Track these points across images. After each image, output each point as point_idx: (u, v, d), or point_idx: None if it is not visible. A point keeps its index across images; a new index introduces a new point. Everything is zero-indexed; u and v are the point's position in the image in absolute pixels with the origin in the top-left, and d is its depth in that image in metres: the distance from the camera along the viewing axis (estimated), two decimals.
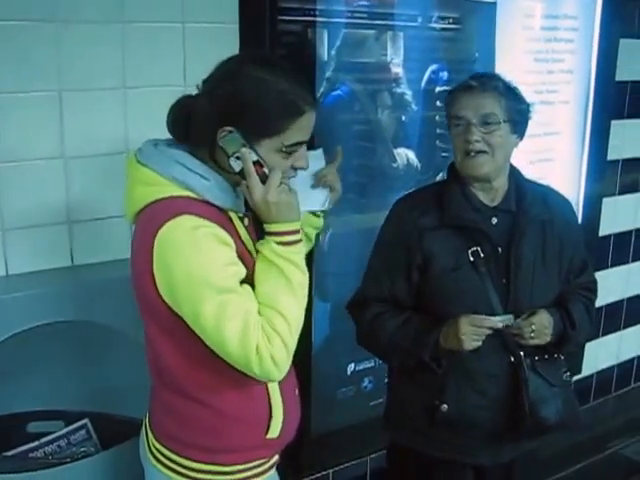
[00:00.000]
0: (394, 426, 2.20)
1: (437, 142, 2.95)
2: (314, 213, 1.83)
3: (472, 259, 1.95)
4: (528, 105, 1.99)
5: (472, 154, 1.91)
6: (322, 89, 2.57)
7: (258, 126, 1.49)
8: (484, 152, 1.91)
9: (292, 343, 1.51)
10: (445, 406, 1.99)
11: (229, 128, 1.49)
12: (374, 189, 2.86)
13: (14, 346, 1.96)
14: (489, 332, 1.89)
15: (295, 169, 1.56)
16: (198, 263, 1.44)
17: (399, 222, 2.04)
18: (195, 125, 1.53)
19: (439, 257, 1.97)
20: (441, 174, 2.93)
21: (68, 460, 2.08)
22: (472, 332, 1.87)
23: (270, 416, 1.67)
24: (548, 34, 3.21)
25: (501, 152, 1.94)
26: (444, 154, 2.94)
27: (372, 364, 3.01)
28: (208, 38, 2.22)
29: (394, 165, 2.84)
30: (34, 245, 2.12)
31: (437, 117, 2.90)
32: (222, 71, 1.53)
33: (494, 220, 1.99)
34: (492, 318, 1.89)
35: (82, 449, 2.16)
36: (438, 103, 2.87)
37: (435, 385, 2.00)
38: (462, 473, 2.15)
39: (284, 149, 1.51)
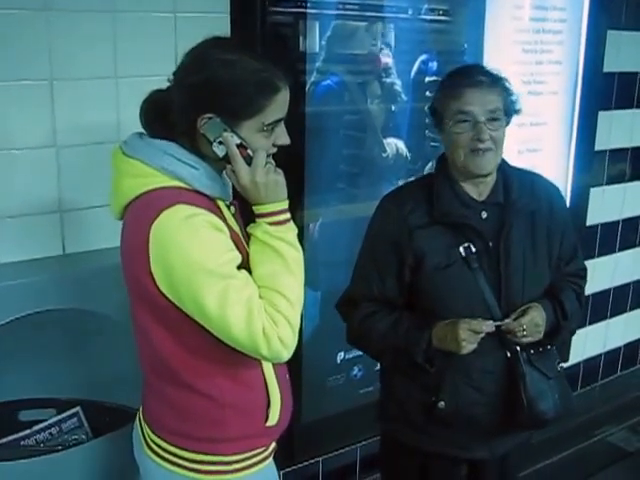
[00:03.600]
0: (388, 421, 2.19)
1: (426, 132, 2.95)
2: None
3: (464, 255, 1.94)
4: (517, 96, 1.98)
5: (480, 152, 1.88)
6: (312, 79, 2.57)
7: (237, 108, 1.48)
8: (491, 149, 1.89)
9: (296, 321, 1.51)
10: (442, 403, 1.98)
11: (208, 115, 1.48)
12: (364, 179, 2.87)
13: (5, 334, 1.96)
14: (483, 335, 1.89)
15: (276, 147, 1.55)
16: (197, 251, 1.44)
17: (388, 220, 2.02)
18: (173, 117, 1.52)
19: (430, 255, 1.95)
20: (430, 163, 2.94)
21: (60, 448, 2.09)
22: (471, 337, 1.87)
23: (268, 404, 1.68)
24: (537, 25, 3.23)
25: (502, 147, 1.93)
26: (433, 144, 2.95)
27: (361, 353, 3.01)
28: (199, 28, 2.19)
29: (384, 155, 2.84)
30: (25, 234, 2.12)
31: (426, 107, 2.91)
32: (190, 59, 1.52)
33: (484, 214, 1.98)
34: (489, 323, 1.90)
35: (74, 437, 2.16)
36: (428, 93, 2.87)
37: (431, 382, 1.99)
38: (457, 467, 2.17)
39: (265, 128, 1.50)
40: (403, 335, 1.97)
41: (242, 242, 1.59)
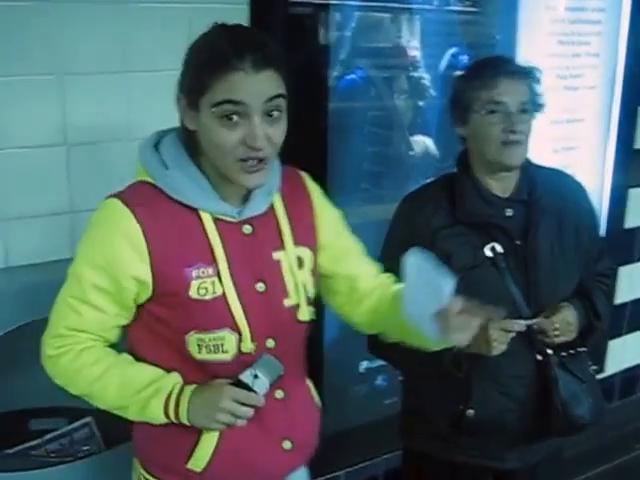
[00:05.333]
0: (412, 431, 2.18)
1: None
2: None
3: (490, 255, 1.94)
4: (541, 91, 2.00)
5: (512, 144, 1.89)
6: (336, 73, 2.56)
7: (190, 83, 1.41)
8: (521, 142, 1.90)
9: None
10: (471, 411, 1.97)
11: (178, 96, 1.44)
12: (390, 178, 2.85)
13: (16, 340, 1.98)
14: (514, 335, 1.88)
15: (249, 148, 1.38)
16: (82, 243, 1.48)
17: (409, 222, 2.02)
18: None
19: (456, 256, 1.94)
20: None
21: (71, 459, 2.09)
22: (502, 337, 1.85)
23: (197, 441, 1.54)
24: (573, 15, 3.17)
25: (529, 140, 1.94)
26: None
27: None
28: (216, 20, 2.20)
29: (411, 153, 2.83)
30: (35, 236, 2.13)
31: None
32: None
33: (509, 212, 1.98)
34: (520, 322, 1.89)
35: (85, 447, 2.16)
36: None
37: (458, 389, 1.98)
38: (486, 478, 2.15)
39: (213, 110, 1.36)
40: None
41: (228, 271, 1.47)
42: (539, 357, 1.98)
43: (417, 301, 1.48)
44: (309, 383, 1.73)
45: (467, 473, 2.11)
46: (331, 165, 2.61)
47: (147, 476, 1.63)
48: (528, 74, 1.94)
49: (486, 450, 2.05)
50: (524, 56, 3.00)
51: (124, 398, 1.50)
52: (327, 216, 1.66)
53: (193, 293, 1.44)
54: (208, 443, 1.53)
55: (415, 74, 2.76)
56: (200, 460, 1.53)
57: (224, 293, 1.45)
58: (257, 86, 1.35)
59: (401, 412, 2.23)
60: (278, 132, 1.41)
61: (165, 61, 2.14)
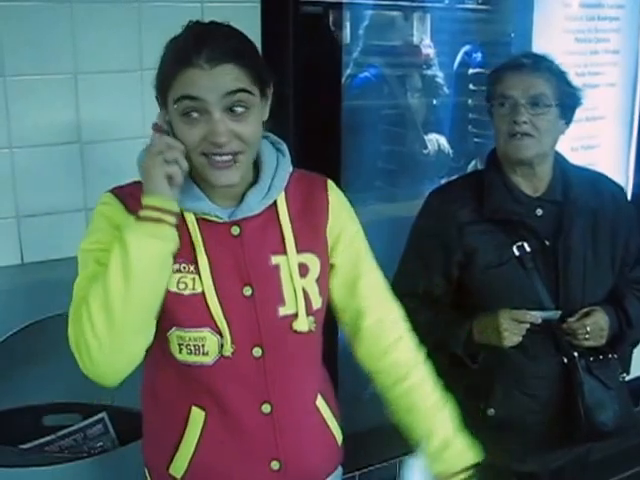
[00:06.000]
0: None
1: (470, 127, 2.94)
2: None
3: (518, 254, 1.93)
4: (578, 90, 1.97)
5: (518, 136, 1.88)
6: (349, 71, 2.58)
7: (158, 79, 1.41)
8: (530, 135, 1.88)
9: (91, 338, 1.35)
10: (492, 410, 1.97)
11: (156, 93, 1.43)
12: (403, 177, 2.86)
13: (31, 336, 2.01)
14: (527, 326, 1.86)
15: (212, 144, 1.36)
16: (87, 232, 1.47)
17: (435, 217, 2.01)
18: None
19: (482, 252, 1.95)
20: (474, 161, 2.93)
21: (84, 455, 2.11)
22: (514, 327, 1.84)
23: (178, 442, 1.51)
24: (590, 12, 3.17)
25: (548, 137, 1.91)
26: (477, 140, 2.93)
27: None
28: (228, 19, 2.22)
29: (425, 151, 2.83)
30: (50, 233, 2.17)
31: (470, 101, 2.90)
32: None
33: (539, 212, 1.96)
34: (533, 313, 1.86)
35: (99, 444, 2.19)
36: (471, 86, 2.87)
37: (480, 388, 1.98)
38: (507, 479, 2.13)
39: (175, 107, 1.35)
40: (443, 327, 1.96)
41: (209, 270, 1.44)
42: (565, 360, 1.96)
43: None
44: (320, 404, 1.62)
45: (490, 474, 2.10)
46: (344, 163, 2.62)
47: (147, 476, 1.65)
48: (542, 66, 1.91)
49: (507, 451, 2.03)
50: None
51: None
52: (345, 230, 1.59)
53: (172, 286, 1.42)
54: (186, 451, 1.51)
55: (429, 72, 2.77)
56: (179, 468, 1.52)
57: (203, 291, 1.43)
58: (213, 81, 1.33)
59: None
60: (247, 128, 1.38)
61: None
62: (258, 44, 2.29)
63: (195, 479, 1.52)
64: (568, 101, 1.93)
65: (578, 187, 1.98)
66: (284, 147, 1.55)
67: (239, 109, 1.36)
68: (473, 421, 1.98)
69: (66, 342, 2.05)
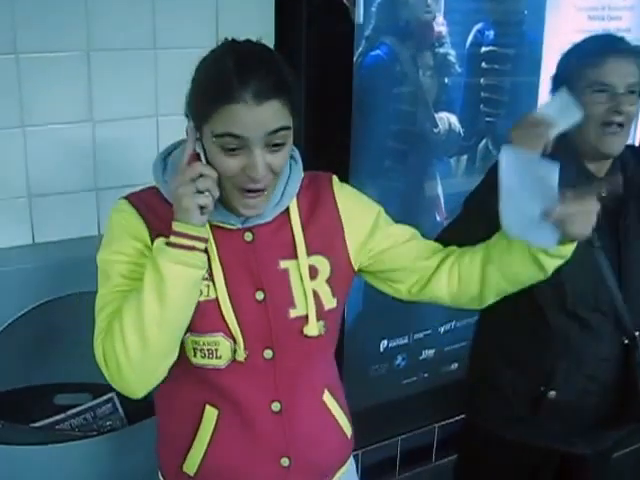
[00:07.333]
0: (480, 412, 2.17)
1: (481, 106, 2.93)
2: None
3: None
4: None
5: (614, 127, 1.83)
6: (360, 49, 2.57)
7: (194, 107, 1.39)
8: (622, 125, 1.84)
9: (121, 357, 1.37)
10: (553, 393, 1.96)
11: (186, 113, 1.42)
12: (413, 156, 2.85)
13: (42, 316, 2.03)
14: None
15: (249, 178, 1.37)
16: (103, 240, 1.49)
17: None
18: None
19: None
20: (484, 140, 2.94)
21: (94, 433, 2.16)
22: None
23: (191, 444, 1.55)
24: None
25: (632, 127, 1.89)
26: (488, 119, 2.93)
27: (406, 341, 3.03)
28: None
29: (435, 130, 2.83)
30: (62, 213, 2.18)
31: (482, 80, 2.89)
32: None
33: (603, 192, 1.93)
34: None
35: (108, 423, 2.23)
36: (484, 64, 2.86)
37: (541, 370, 1.97)
38: (552, 461, 2.16)
39: (214, 140, 1.35)
40: None
41: (222, 276, 1.47)
42: (625, 340, 1.95)
43: (519, 206, 1.40)
44: (327, 400, 1.64)
45: (535, 455, 2.11)
46: (354, 142, 2.61)
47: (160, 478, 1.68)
48: (637, 54, 1.86)
49: (559, 433, 2.05)
50: (552, 32, 3.02)
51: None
52: (359, 219, 1.60)
53: None
54: (199, 448, 1.54)
55: (441, 50, 2.76)
56: (192, 465, 1.56)
57: (217, 298, 1.46)
58: (259, 119, 1.32)
59: (469, 393, 2.22)
60: (281, 160, 1.40)
61: (192, 38, 2.18)
62: (271, 22, 2.33)
63: (207, 476, 1.56)
64: None
65: (634, 165, 1.99)
66: (297, 154, 1.56)
67: (278, 145, 1.37)
68: (532, 404, 2.00)
69: (76, 322, 2.08)
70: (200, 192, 1.34)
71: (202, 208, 1.35)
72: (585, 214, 1.44)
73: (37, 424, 2.16)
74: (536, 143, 1.61)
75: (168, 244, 1.35)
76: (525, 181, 1.38)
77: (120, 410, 2.26)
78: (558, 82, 1.93)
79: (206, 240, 1.38)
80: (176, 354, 1.44)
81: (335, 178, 1.62)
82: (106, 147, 2.18)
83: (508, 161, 1.41)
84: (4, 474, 2.04)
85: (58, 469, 2.07)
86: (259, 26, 2.28)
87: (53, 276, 2.05)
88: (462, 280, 1.60)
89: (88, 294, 2.00)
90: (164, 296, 1.33)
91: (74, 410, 2.22)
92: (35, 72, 2.05)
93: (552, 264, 1.54)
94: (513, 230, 1.44)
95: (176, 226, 1.35)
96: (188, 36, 2.20)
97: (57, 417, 2.19)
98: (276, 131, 1.35)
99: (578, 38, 1.98)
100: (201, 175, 1.35)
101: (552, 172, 1.36)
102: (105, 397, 2.24)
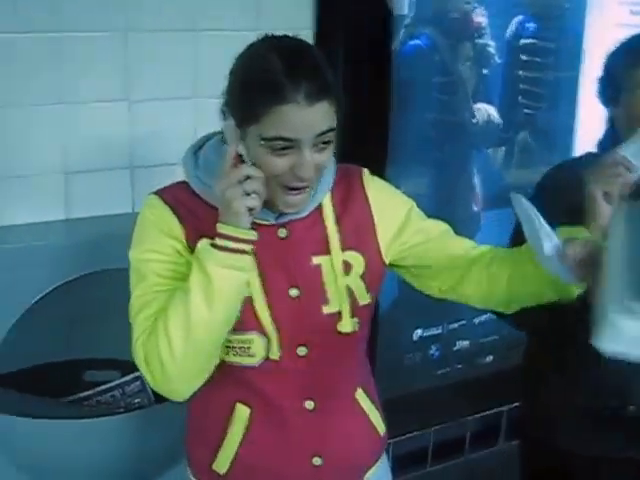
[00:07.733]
0: (552, 428, 2.03)
1: (520, 98, 2.92)
2: None
3: None
4: None
5: None
6: (400, 38, 2.57)
7: (239, 106, 1.36)
8: None
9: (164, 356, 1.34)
10: (633, 407, 1.88)
11: (225, 110, 1.40)
12: (450, 146, 2.84)
13: (73, 292, 2.05)
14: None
15: (296, 177, 1.36)
16: (135, 236, 1.49)
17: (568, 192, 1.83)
18: None
19: None
20: (523, 132, 2.92)
21: (122, 410, 2.17)
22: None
23: (220, 444, 1.55)
24: None
25: None
26: (527, 111, 2.92)
27: (439, 331, 3.04)
28: None
29: (473, 121, 2.81)
30: (96, 189, 2.19)
31: (521, 72, 2.88)
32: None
33: None
34: None
35: (136, 400, 2.24)
36: (523, 57, 2.85)
37: (611, 387, 1.88)
38: (628, 470, 2.03)
39: (262, 142, 1.33)
40: None
41: (264, 275, 1.46)
42: None
43: (537, 241, 1.39)
44: (360, 398, 1.62)
45: (610, 466, 1.98)
46: (393, 132, 2.60)
47: (190, 476, 1.68)
48: None
49: (617, 442, 1.94)
50: (593, 26, 2.99)
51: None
52: (391, 212, 1.59)
53: None
54: (230, 447, 1.54)
55: (480, 41, 2.74)
56: (222, 464, 1.55)
57: (251, 296, 1.44)
58: (309, 120, 1.31)
59: (521, 411, 2.16)
60: (325, 157, 1.39)
61: (232, 21, 2.20)
62: (310, 7, 2.33)
63: (238, 475, 1.55)
64: None
65: None
66: None
67: (325, 144, 1.37)
68: (607, 418, 1.90)
69: (107, 299, 2.11)
70: (247, 194, 1.32)
71: (250, 210, 1.33)
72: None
73: (66, 399, 2.18)
74: (613, 184, 1.56)
75: (214, 246, 1.33)
76: (531, 231, 1.40)
77: (148, 388, 2.25)
78: (605, 83, 1.86)
79: (253, 242, 1.35)
80: (219, 354, 1.44)
81: (366, 171, 1.61)
82: (142, 126, 2.20)
83: (519, 210, 1.42)
84: (31, 447, 2.06)
85: (85, 444, 2.08)
86: (298, 11, 2.29)
87: (85, 252, 2.06)
88: (491, 283, 1.56)
89: (120, 271, 2.02)
90: (212, 298, 1.32)
91: (103, 387, 2.23)
92: (72, 51, 2.07)
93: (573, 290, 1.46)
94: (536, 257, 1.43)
95: (223, 228, 1.33)
96: (228, 19, 2.20)
97: (86, 393, 2.21)
98: (325, 132, 1.34)
99: (620, 33, 1.94)
100: (248, 177, 1.32)
101: (548, 247, 1.36)
102: (133, 375, 2.25)
